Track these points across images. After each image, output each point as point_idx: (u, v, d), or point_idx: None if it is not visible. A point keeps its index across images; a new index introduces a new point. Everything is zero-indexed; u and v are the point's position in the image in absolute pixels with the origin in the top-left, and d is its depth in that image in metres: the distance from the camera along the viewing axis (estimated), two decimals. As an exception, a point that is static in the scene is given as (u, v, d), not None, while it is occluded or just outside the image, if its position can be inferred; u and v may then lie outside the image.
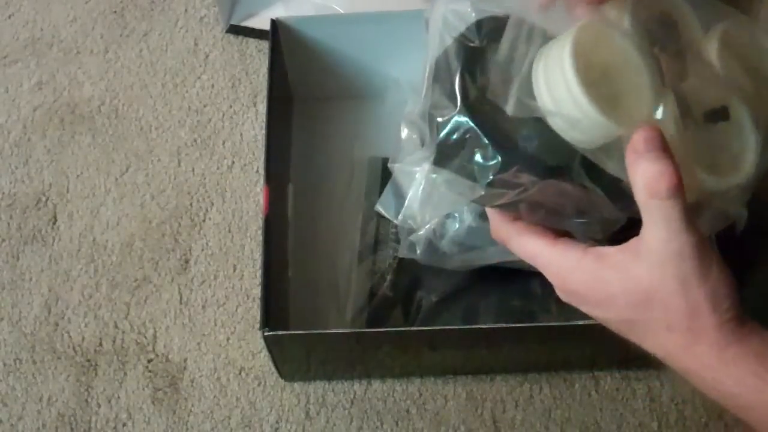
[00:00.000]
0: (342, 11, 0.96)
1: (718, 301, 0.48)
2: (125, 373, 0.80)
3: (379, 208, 0.71)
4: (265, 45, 0.96)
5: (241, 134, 0.93)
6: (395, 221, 0.70)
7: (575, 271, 0.52)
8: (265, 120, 0.79)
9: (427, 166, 0.61)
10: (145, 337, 0.82)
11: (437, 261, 0.76)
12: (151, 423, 0.78)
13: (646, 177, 0.47)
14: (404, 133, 0.68)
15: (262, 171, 0.83)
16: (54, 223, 0.88)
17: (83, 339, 0.82)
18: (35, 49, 1.00)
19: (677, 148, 0.49)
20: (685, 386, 0.75)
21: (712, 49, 0.57)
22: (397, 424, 0.77)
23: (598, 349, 0.76)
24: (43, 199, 0.90)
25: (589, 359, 0.78)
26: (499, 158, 0.54)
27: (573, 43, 0.51)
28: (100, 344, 0.82)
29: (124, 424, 0.78)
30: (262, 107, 0.94)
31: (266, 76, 0.82)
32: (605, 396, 0.78)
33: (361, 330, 0.77)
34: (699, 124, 0.54)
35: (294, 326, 0.78)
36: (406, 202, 0.68)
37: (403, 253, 0.77)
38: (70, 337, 0.82)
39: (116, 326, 0.83)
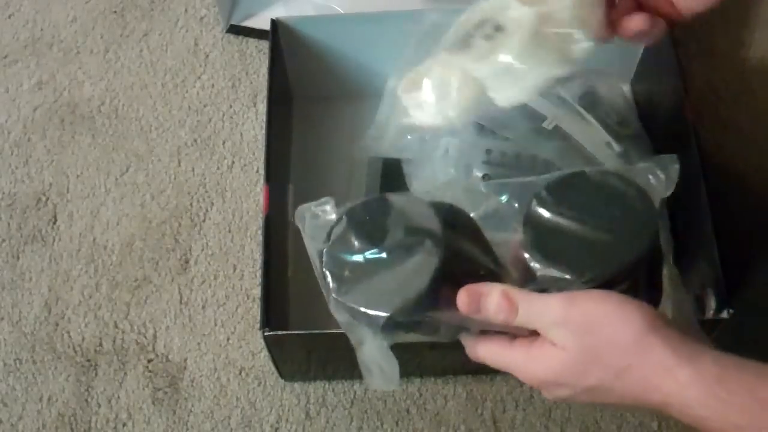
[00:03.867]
0: (342, 11, 0.96)
1: (633, 323, 0.49)
2: (125, 373, 0.80)
3: None
4: (265, 45, 0.96)
5: (241, 134, 0.93)
6: None
7: (532, 362, 0.53)
8: (265, 120, 0.79)
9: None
10: (145, 337, 0.82)
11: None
12: (151, 423, 0.78)
13: (495, 313, 0.52)
14: None
15: (262, 171, 0.83)
16: (54, 223, 0.88)
17: (83, 339, 0.82)
18: (35, 49, 1.00)
19: None
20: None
21: None
22: (397, 424, 0.77)
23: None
24: (43, 199, 0.90)
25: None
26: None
27: None
28: (100, 344, 0.82)
29: (124, 424, 0.78)
30: (262, 107, 0.94)
31: (266, 76, 0.82)
32: (605, 396, 0.78)
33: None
34: None
35: (294, 326, 0.78)
36: None
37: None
38: (70, 337, 0.82)
39: (116, 326, 0.83)
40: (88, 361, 0.81)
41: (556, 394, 0.52)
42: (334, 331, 0.75)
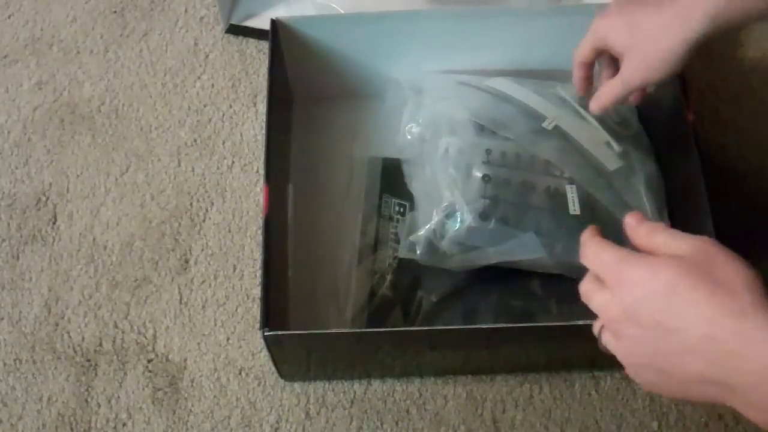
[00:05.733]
0: (342, 11, 0.96)
1: (756, 283, 0.48)
2: (125, 373, 0.80)
3: None
4: (264, 45, 0.96)
5: (241, 134, 0.93)
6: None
7: (645, 263, 0.52)
8: (265, 120, 0.79)
9: None
10: (145, 337, 0.82)
11: (437, 261, 0.77)
12: (151, 423, 0.78)
13: (647, 228, 0.54)
14: None
15: (262, 171, 0.83)
16: (54, 223, 0.88)
17: (83, 339, 0.82)
18: (35, 49, 1.00)
19: None
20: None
21: None
22: (397, 424, 0.77)
23: (598, 349, 0.76)
24: (43, 199, 0.90)
25: (589, 359, 0.78)
26: None
27: None
28: (100, 344, 0.82)
29: (124, 424, 0.78)
30: (262, 107, 0.94)
31: (266, 76, 0.82)
32: (605, 396, 0.78)
33: (361, 330, 0.77)
34: None
35: (294, 326, 0.78)
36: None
37: (403, 253, 0.78)
38: (70, 337, 0.82)
39: (116, 326, 0.83)
40: (88, 361, 0.81)
41: (645, 313, 0.50)
42: (333, 331, 0.75)
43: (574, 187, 0.77)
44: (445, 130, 0.80)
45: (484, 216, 0.74)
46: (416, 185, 0.81)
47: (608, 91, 0.72)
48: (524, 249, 0.75)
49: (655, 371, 0.51)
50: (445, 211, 0.75)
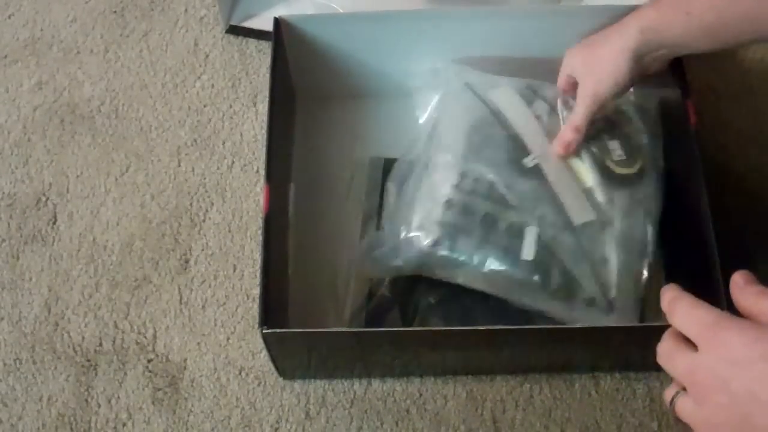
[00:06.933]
0: (342, 11, 0.96)
1: None
2: (125, 373, 0.80)
3: None
4: (265, 45, 0.96)
5: (241, 134, 0.93)
6: None
7: (739, 326, 0.49)
8: (266, 118, 0.78)
9: None
10: (145, 337, 0.82)
11: (396, 273, 0.76)
12: (151, 423, 0.78)
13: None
14: None
15: (262, 171, 0.83)
16: (54, 223, 0.88)
17: (83, 339, 0.82)
18: (35, 49, 1.00)
19: None
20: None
21: None
22: (397, 424, 0.77)
23: (598, 352, 0.76)
24: (43, 199, 0.90)
25: (589, 362, 0.78)
26: None
27: None
28: (100, 344, 0.82)
29: (124, 424, 0.78)
30: (262, 107, 0.94)
31: (266, 76, 0.82)
32: (605, 396, 0.78)
33: (358, 330, 0.77)
34: None
35: (293, 325, 0.78)
36: None
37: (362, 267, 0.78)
38: (70, 337, 0.82)
39: (116, 326, 0.83)
40: (88, 361, 0.81)
41: (739, 381, 0.47)
42: (332, 330, 0.75)
43: (534, 230, 0.73)
44: (439, 140, 0.80)
45: (434, 243, 0.73)
46: (392, 191, 0.81)
47: (570, 120, 0.77)
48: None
49: None
50: (404, 231, 0.74)
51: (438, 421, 0.77)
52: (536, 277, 0.72)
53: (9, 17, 1.03)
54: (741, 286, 0.51)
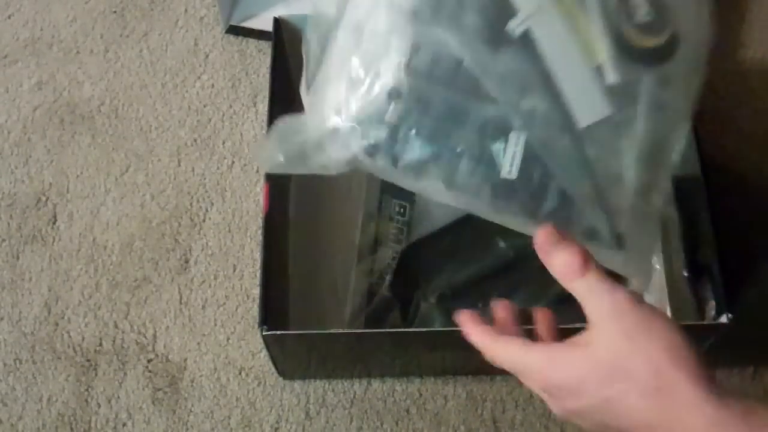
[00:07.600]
0: (342, 11, 0.96)
1: (674, 351, 0.46)
2: (125, 373, 0.80)
3: None
4: (265, 45, 0.96)
5: (241, 134, 0.93)
6: None
7: (552, 364, 0.50)
8: (266, 118, 0.79)
9: None
10: (145, 337, 0.82)
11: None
12: (151, 423, 0.78)
13: (560, 266, 0.49)
14: None
15: (262, 171, 0.83)
16: (54, 223, 0.88)
17: (83, 339, 0.82)
18: (35, 49, 1.00)
19: None
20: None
21: None
22: (397, 424, 0.77)
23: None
24: (43, 199, 0.90)
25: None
26: None
27: None
28: (100, 344, 0.82)
29: (124, 424, 0.78)
30: (262, 107, 0.94)
31: (266, 76, 0.82)
32: (605, 396, 0.78)
33: (358, 331, 0.77)
34: None
35: (293, 325, 0.78)
36: None
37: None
38: (70, 337, 0.82)
39: (116, 326, 0.83)
40: (88, 361, 0.81)
41: (567, 404, 0.50)
42: (332, 331, 0.75)
43: (519, 137, 0.54)
44: None
45: (370, 150, 0.55)
46: (313, 44, 0.59)
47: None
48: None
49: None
50: (331, 120, 0.55)
51: (438, 421, 0.77)
52: (520, 200, 0.55)
53: (9, 17, 1.03)
54: (541, 246, 0.50)
